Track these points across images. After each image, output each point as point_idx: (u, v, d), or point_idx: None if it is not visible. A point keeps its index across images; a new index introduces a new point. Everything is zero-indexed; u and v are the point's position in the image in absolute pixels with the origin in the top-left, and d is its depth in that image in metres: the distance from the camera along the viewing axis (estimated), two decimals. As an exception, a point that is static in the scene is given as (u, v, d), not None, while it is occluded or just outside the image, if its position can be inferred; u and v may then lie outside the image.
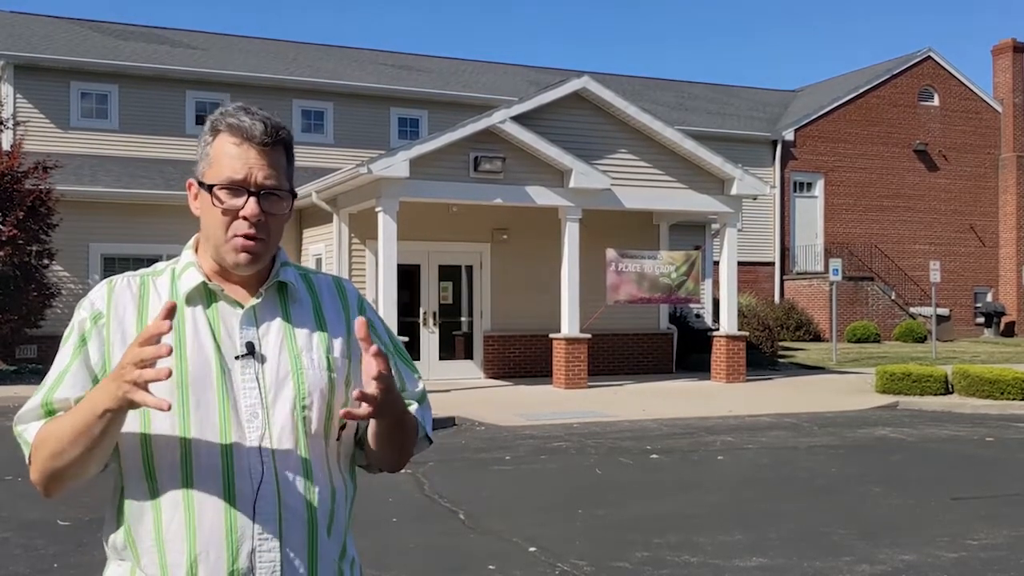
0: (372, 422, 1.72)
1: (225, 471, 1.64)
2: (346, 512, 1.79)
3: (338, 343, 1.78)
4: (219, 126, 1.71)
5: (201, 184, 1.72)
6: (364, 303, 1.88)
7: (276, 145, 1.71)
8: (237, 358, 1.69)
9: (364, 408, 1.59)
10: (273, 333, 1.73)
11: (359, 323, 1.63)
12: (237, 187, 1.68)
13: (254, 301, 1.74)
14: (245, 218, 1.68)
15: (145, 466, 1.66)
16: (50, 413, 1.66)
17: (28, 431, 1.67)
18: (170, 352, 1.47)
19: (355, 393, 1.60)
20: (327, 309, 1.81)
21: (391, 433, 1.75)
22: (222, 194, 1.68)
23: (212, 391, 1.65)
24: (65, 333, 1.73)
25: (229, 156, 1.68)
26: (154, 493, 1.66)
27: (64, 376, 1.68)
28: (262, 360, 1.71)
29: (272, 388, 1.69)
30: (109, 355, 1.69)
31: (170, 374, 1.47)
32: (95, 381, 1.67)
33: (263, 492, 1.65)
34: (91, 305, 1.72)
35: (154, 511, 1.65)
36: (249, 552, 1.64)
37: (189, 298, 1.72)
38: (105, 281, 1.76)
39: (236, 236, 1.68)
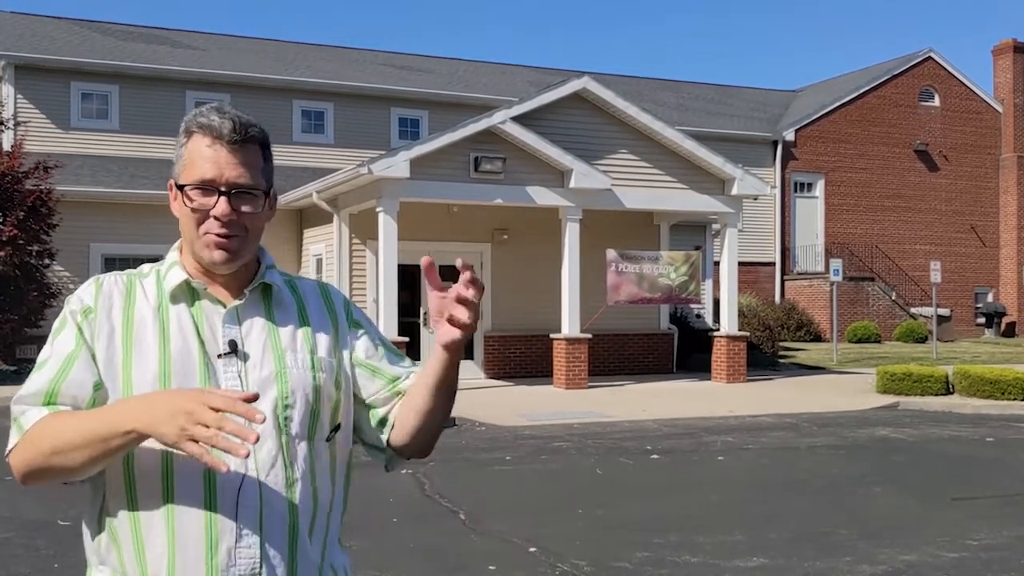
0: (431, 375, 1.71)
1: (206, 467, 1.63)
2: (327, 520, 1.77)
3: (324, 344, 1.78)
4: (191, 127, 1.72)
5: (177, 185, 1.73)
6: (351, 306, 1.89)
7: (248, 143, 1.71)
8: (219, 356, 1.70)
9: (463, 314, 1.57)
10: (256, 332, 1.74)
11: (462, 263, 1.59)
12: (207, 186, 1.69)
13: (237, 302, 1.75)
14: (216, 218, 1.69)
15: (126, 461, 1.65)
16: (51, 403, 1.64)
17: (26, 417, 1.63)
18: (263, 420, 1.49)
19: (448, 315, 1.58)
20: (312, 311, 1.81)
21: (447, 378, 1.71)
22: (194, 194, 1.69)
23: (195, 386, 1.65)
24: (56, 325, 1.73)
25: (200, 156, 1.69)
26: (134, 488, 1.65)
27: (72, 364, 1.66)
28: (245, 359, 1.71)
29: (255, 386, 1.69)
30: (95, 349, 1.68)
31: (248, 455, 1.47)
32: (98, 374, 1.67)
33: (245, 489, 1.65)
34: (80, 301, 1.73)
35: (133, 506, 1.65)
36: (228, 548, 1.63)
37: (173, 296, 1.73)
38: (92, 279, 1.77)
39: (208, 233, 1.69)
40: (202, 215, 1.69)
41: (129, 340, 1.68)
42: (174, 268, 1.76)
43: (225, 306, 1.74)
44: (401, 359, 1.88)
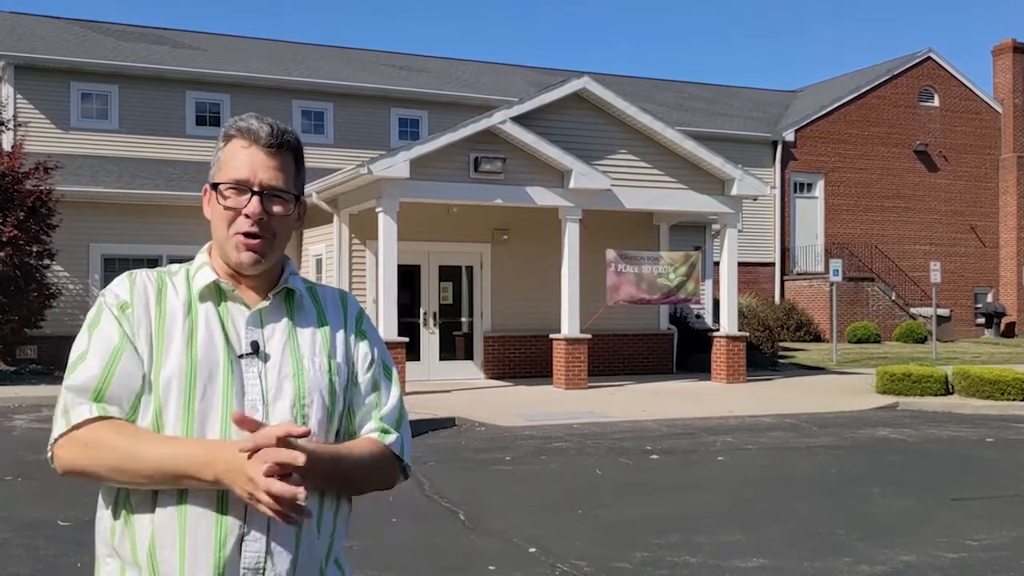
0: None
1: None
2: (334, 517, 1.82)
3: (340, 350, 1.84)
4: (230, 132, 1.80)
5: (211, 185, 1.80)
6: (363, 316, 1.94)
7: (282, 148, 1.79)
8: (241, 356, 1.75)
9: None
10: (278, 335, 1.80)
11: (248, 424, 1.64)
12: (241, 186, 1.75)
13: (262, 304, 1.80)
14: (247, 216, 1.74)
15: None
16: (99, 400, 1.68)
17: (76, 412, 1.68)
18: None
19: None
20: (330, 318, 1.87)
21: (333, 486, 1.78)
22: (228, 192, 1.76)
23: (219, 381, 1.71)
24: (92, 316, 1.76)
25: (236, 158, 1.77)
26: None
27: (118, 358, 1.70)
28: (265, 359, 1.76)
29: (274, 386, 1.75)
30: (136, 343, 1.73)
31: (305, 498, 1.56)
32: (143, 366, 1.71)
33: None
34: (115, 296, 1.77)
35: (149, 498, 1.69)
36: (236, 540, 1.68)
37: (202, 295, 1.79)
38: (125, 275, 1.81)
39: (238, 233, 1.75)
40: (234, 214, 1.75)
41: (161, 335, 1.73)
42: (203, 268, 1.81)
43: (250, 308, 1.79)
44: (389, 383, 1.90)
